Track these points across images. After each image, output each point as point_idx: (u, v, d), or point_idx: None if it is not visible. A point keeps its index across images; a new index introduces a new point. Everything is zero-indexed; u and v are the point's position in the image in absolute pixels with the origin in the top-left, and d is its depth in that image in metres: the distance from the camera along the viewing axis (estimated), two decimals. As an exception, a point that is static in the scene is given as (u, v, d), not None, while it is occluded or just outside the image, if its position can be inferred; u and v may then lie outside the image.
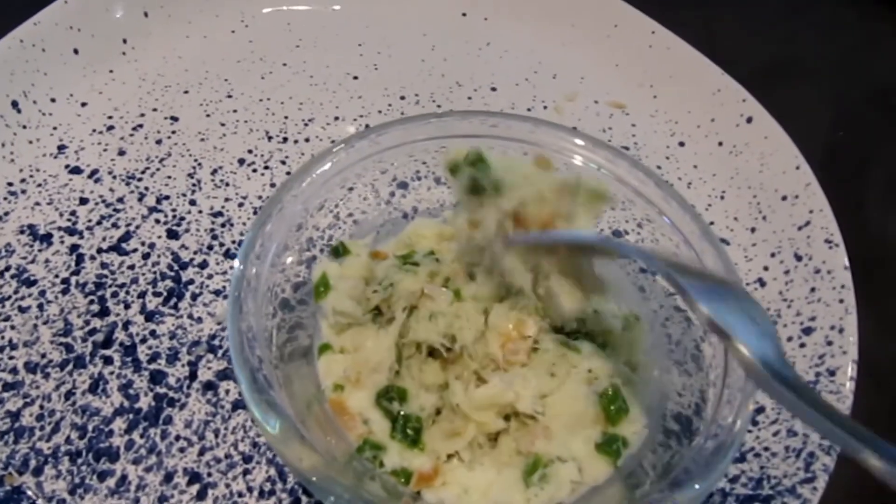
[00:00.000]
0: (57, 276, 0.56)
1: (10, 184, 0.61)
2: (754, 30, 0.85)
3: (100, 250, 0.57)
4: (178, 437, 0.48)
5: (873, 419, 0.53)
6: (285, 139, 0.67)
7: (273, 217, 0.48)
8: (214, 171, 0.64)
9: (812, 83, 0.79)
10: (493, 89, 0.73)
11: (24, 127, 0.64)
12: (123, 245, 0.58)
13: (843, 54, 0.83)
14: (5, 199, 0.60)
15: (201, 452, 0.48)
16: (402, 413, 0.45)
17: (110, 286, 0.55)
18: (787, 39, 0.85)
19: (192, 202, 0.61)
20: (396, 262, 0.51)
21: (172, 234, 0.59)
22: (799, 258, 0.60)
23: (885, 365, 0.56)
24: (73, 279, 0.56)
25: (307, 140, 0.67)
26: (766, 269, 0.61)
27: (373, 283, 0.50)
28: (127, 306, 0.54)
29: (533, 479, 0.43)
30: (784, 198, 0.63)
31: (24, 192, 0.61)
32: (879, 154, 0.73)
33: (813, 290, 0.57)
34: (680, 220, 0.50)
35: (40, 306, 0.54)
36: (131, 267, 0.57)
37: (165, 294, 0.55)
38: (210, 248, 0.58)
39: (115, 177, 0.62)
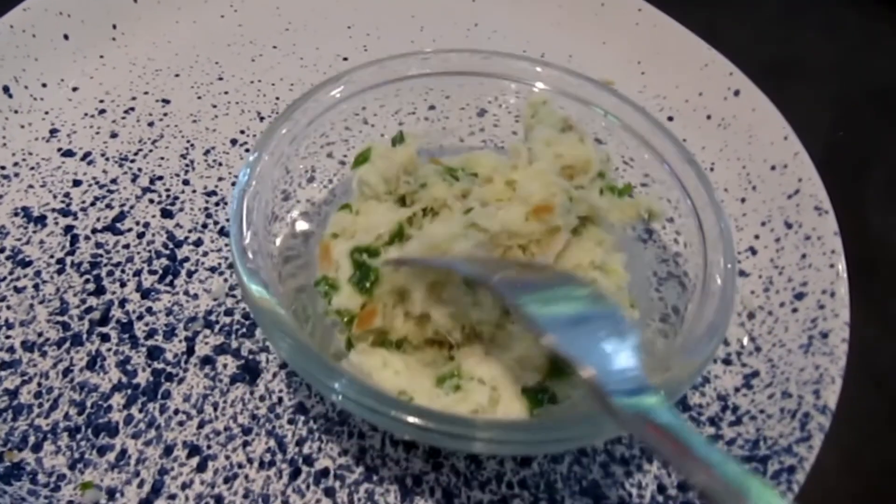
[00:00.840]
0: (52, 256, 0.56)
1: (2, 167, 0.61)
2: (755, 30, 0.85)
3: (94, 230, 0.57)
4: (176, 411, 0.49)
5: (873, 419, 0.54)
6: (277, 120, 0.67)
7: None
8: (207, 152, 0.64)
9: (812, 83, 0.80)
10: (483, 69, 0.74)
11: (16, 112, 0.64)
12: (118, 225, 0.58)
13: (843, 54, 0.83)
14: (-2, 182, 0.60)
15: (200, 425, 0.48)
16: (364, 263, 0.47)
17: (106, 265, 0.55)
18: (787, 39, 0.85)
19: (186, 182, 0.61)
20: (442, 168, 0.51)
21: (167, 214, 0.59)
22: (789, 226, 0.60)
23: (885, 365, 0.57)
24: (69, 259, 0.56)
25: (299, 120, 0.67)
26: (756, 237, 0.61)
27: (411, 175, 0.51)
28: (123, 284, 0.55)
29: (444, 385, 0.44)
30: (773, 168, 0.64)
31: (17, 175, 0.61)
32: (879, 154, 0.73)
33: (804, 256, 0.58)
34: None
35: (36, 286, 0.54)
36: (126, 246, 0.57)
37: (161, 272, 0.55)
38: (205, 226, 0.58)
39: (107, 159, 0.62)
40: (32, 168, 0.61)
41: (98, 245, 0.57)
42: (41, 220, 0.58)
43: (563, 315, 0.38)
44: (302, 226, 0.54)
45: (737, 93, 0.69)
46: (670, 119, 0.71)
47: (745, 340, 0.55)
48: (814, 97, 0.78)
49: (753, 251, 0.60)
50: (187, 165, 0.62)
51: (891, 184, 0.71)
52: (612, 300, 0.41)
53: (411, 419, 0.37)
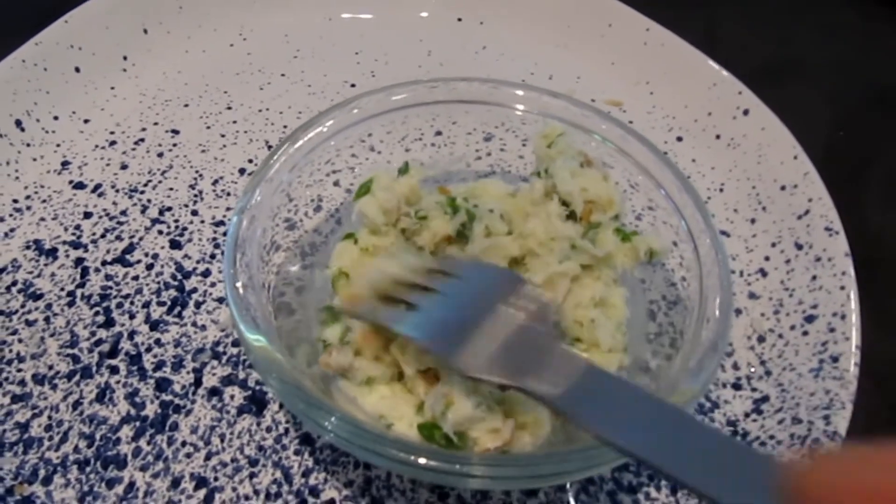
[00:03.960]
0: (63, 289, 0.56)
1: (15, 200, 0.62)
2: (754, 30, 0.85)
3: (104, 262, 0.58)
4: (184, 443, 0.49)
5: (873, 419, 0.53)
6: (285, 148, 0.67)
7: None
8: (216, 182, 0.64)
9: (812, 83, 0.79)
10: (490, 92, 0.74)
11: (28, 145, 0.65)
12: (127, 257, 0.59)
13: (843, 54, 0.83)
14: (11, 215, 0.61)
15: (207, 457, 0.48)
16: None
17: (115, 297, 0.56)
18: (787, 39, 0.85)
19: (195, 212, 0.62)
20: (445, 199, 0.51)
21: (175, 245, 0.60)
22: (799, 247, 0.60)
23: (885, 365, 0.56)
24: (79, 292, 0.56)
25: (306, 148, 0.67)
26: (767, 259, 0.61)
27: (414, 206, 0.51)
28: (132, 316, 0.55)
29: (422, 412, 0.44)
30: (783, 188, 0.63)
31: (28, 208, 0.61)
32: (879, 154, 0.73)
33: (814, 278, 0.57)
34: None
35: (47, 319, 0.55)
36: (135, 278, 0.57)
37: (169, 303, 0.56)
38: (213, 256, 0.59)
39: (117, 190, 0.63)
40: (44, 201, 0.62)
41: (108, 277, 0.57)
42: (52, 253, 0.59)
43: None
44: (306, 255, 0.54)
45: (746, 112, 0.69)
46: (679, 139, 0.71)
47: (756, 364, 0.54)
48: (814, 97, 0.77)
49: (764, 273, 0.60)
50: (196, 196, 0.63)
51: (891, 184, 0.70)
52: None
53: (395, 453, 0.37)
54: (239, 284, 0.44)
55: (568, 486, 0.48)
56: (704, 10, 0.84)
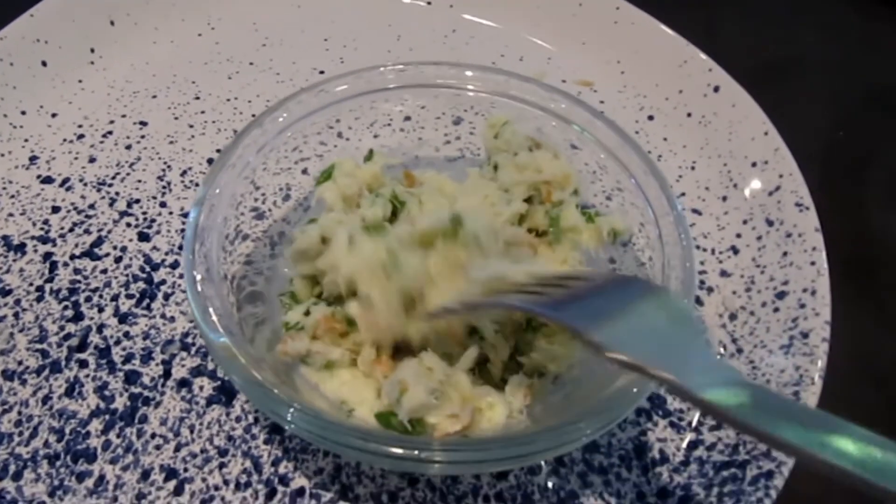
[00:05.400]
0: (31, 284, 0.56)
1: (-18, 197, 0.62)
2: (754, 30, 0.85)
3: (73, 256, 0.58)
4: (153, 435, 0.49)
5: (873, 419, 0.53)
6: (254, 137, 0.67)
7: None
8: (184, 173, 0.64)
9: (812, 83, 0.79)
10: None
11: (-4, 141, 0.65)
12: (95, 250, 0.58)
13: (843, 54, 0.83)
14: (-21, 212, 0.61)
15: (177, 448, 0.48)
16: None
17: (84, 291, 0.56)
18: (788, 39, 0.85)
19: (163, 204, 0.62)
20: (403, 182, 0.52)
21: (144, 237, 0.59)
22: (770, 223, 0.59)
23: (885, 365, 0.56)
24: (48, 286, 0.56)
25: (276, 136, 0.67)
26: (738, 236, 0.61)
27: (374, 192, 0.51)
28: (100, 310, 0.55)
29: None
30: (754, 164, 0.63)
31: (-3, 204, 0.61)
32: (879, 154, 0.73)
33: (785, 254, 0.57)
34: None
35: (16, 315, 0.54)
36: (104, 271, 0.57)
37: (138, 296, 0.56)
38: (181, 247, 0.59)
39: (85, 184, 0.63)
40: (13, 196, 0.62)
41: (76, 271, 0.57)
42: (21, 248, 0.58)
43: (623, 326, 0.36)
44: (275, 244, 0.54)
45: (716, 89, 0.68)
46: (651, 118, 0.70)
47: (728, 342, 0.54)
48: (814, 97, 0.77)
49: (735, 250, 0.60)
50: (164, 187, 0.63)
51: (891, 184, 0.70)
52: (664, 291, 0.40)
53: (357, 442, 0.37)
54: (198, 277, 0.44)
55: (542, 464, 0.48)
56: (704, 10, 0.84)
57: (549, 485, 0.47)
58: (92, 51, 0.73)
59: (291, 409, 0.38)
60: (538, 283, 0.41)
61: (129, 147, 0.66)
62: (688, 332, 0.36)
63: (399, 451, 0.37)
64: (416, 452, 0.37)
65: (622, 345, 0.34)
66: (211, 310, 0.42)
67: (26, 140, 0.66)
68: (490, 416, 0.41)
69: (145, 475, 0.47)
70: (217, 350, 0.41)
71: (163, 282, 0.57)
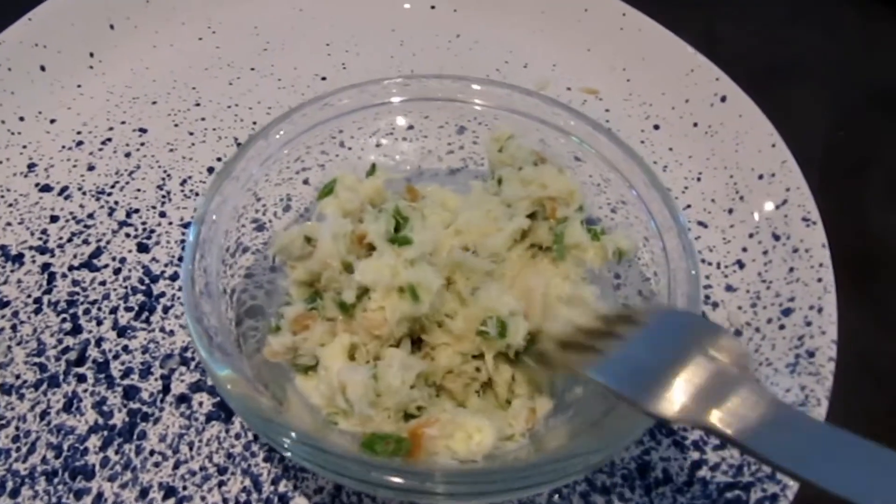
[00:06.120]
0: (29, 295, 0.56)
1: (-21, 205, 0.61)
2: (754, 30, 0.84)
3: (71, 268, 0.57)
4: (152, 452, 0.48)
5: (873, 419, 0.53)
6: (255, 145, 0.66)
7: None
8: (184, 182, 0.63)
9: (812, 83, 0.78)
10: (465, 82, 0.73)
11: (-7, 147, 0.64)
12: (94, 261, 0.58)
13: (843, 54, 0.82)
14: (-24, 221, 0.60)
15: (176, 466, 0.48)
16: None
17: (82, 303, 0.55)
18: (788, 40, 0.84)
19: (162, 214, 0.61)
20: (405, 196, 0.52)
21: (143, 248, 0.59)
22: (777, 238, 0.59)
23: (885, 365, 0.56)
24: (46, 298, 0.55)
25: (277, 144, 0.66)
26: (744, 250, 0.60)
27: (377, 207, 0.51)
28: (99, 323, 0.54)
29: None
30: (760, 176, 0.62)
31: (-6, 213, 0.61)
32: (879, 154, 0.72)
33: (791, 269, 0.57)
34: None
35: (13, 327, 0.54)
36: (102, 283, 0.56)
37: (137, 308, 0.55)
38: (181, 259, 0.58)
39: (84, 193, 0.62)
40: (10, 205, 0.61)
41: (75, 283, 0.56)
42: (19, 259, 0.58)
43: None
44: (271, 256, 0.53)
45: (723, 98, 0.67)
46: (656, 127, 0.70)
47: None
48: (814, 97, 0.76)
49: (741, 265, 0.59)
50: (163, 196, 0.62)
51: (891, 184, 0.69)
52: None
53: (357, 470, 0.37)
54: (196, 291, 0.43)
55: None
56: (704, 10, 0.83)
57: (552, 503, 0.47)
58: (91, 55, 0.73)
59: (288, 441, 0.38)
60: (587, 333, 0.42)
61: (128, 155, 0.65)
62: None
63: (400, 480, 0.36)
64: (418, 483, 0.36)
65: (683, 409, 0.35)
66: (207, 326, 0.42)
67: (24, 147, 0.65)
68: (479, 439, 0.41)
69: (143, 493, 0.46)
70: (219, 381, 0.41)
71: (162, 294, 0.56)
